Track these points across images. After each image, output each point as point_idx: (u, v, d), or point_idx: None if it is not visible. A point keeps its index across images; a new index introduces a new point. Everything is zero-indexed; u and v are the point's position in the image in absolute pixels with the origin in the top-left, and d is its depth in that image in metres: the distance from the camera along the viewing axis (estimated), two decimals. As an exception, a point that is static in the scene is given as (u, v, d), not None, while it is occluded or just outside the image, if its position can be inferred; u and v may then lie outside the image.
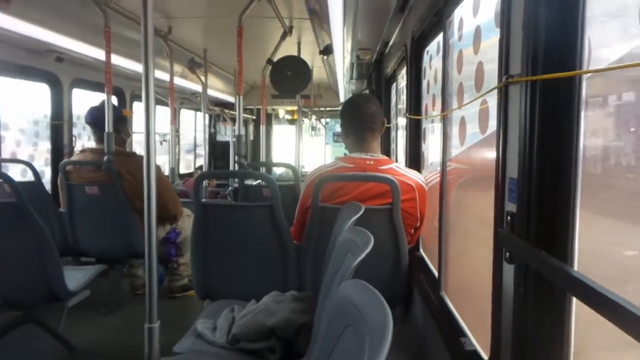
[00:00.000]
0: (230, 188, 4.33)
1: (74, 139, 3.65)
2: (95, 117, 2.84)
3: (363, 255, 1.01)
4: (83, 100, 3.77)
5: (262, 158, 5.00)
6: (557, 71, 0.78)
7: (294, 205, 2.07)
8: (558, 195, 0.81)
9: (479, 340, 1.23)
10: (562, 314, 0.82)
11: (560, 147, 0.81)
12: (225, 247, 2.01)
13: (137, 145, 4.77)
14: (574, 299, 0.82)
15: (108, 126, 2.69)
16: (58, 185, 2.90)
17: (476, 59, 1.28)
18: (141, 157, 2.86)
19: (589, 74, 0.77)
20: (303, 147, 6.15)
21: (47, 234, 2.08)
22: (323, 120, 8.63)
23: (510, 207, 0.91)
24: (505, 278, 0.94)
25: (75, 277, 2.30)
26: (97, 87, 3.79)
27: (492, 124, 1.18)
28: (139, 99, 4.72)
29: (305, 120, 8.26)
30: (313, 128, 9.02)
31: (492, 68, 1.15)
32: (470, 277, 1.43)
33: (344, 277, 1.00)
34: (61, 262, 2.18)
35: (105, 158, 2.66)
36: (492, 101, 1.17)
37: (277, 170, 7.64)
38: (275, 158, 8.77)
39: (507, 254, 0.91)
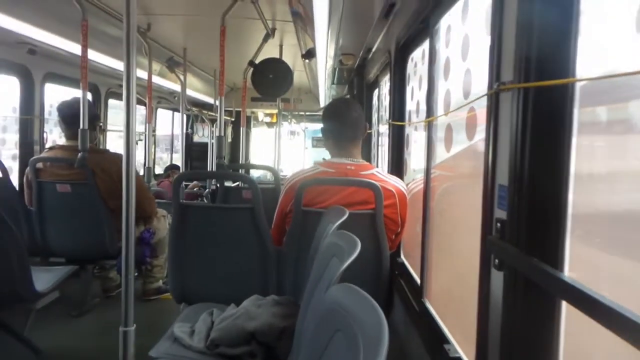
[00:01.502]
0: (207, 190, 4.26)
1: (45, 135, 3.52)
2: (66, 113, 2.75)
3: (350, 260, 1.00)
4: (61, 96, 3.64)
5: (241, 160, 4.94)
6: (550, 78, 0.78)
7: (274, 208, 2.04)
8: (549, 201, 0.82)
9: (462, 348, 1.23)
10: (552, 321, 0.82)
11: (552, 154, 0.81)
12: (204, 250, 1.96)
13: (112, 143, 4.67)
14: (564, 308, 0.83)
15: (83, 123, 2.61)
16: (24, 183, 2.79)
17: (464, 67, 1.29)
18: (114, 155, 2.80)
19: (582, 82, 0.78)
20: (282, 151, 6.13)
21: (15, 231, 1.99)
22: (303, 125, 8.61)
23: (500, 213, 0.91)
24: (493, 285, 0.94)
25: (44, 277, 2.21)
26: (71, 82, 3.67)
27: (479, 132, 1.19)
28: (114, 96, 4.60)
29: (285, 123, 8.22)
30: (292, 133, 9.00)
31: (480, 76, 1.16)
32: (453, 285, 1.43)
33: (331, 281, 0.98)
34: (29, 262, 2.09)
35: (79, 155, 2.58)
36: (478, 109, 1.18)
37: (255, 173, 7.57)
38: (253, 161, 8.70)
39: (496, 260, 0.91)
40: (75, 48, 2.89)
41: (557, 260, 0.81)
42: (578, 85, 0.79)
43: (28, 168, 2.71)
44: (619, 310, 0.58)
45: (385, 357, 0.56)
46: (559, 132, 0.81)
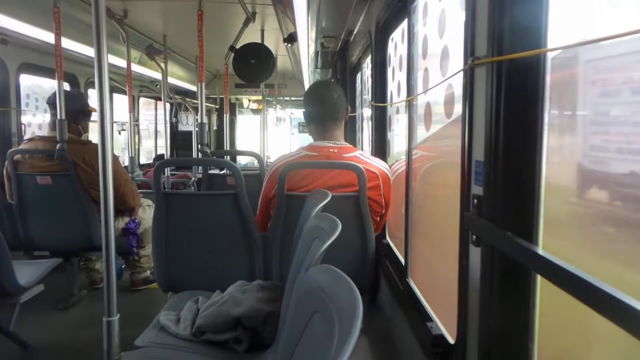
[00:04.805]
0: (193, 178, 4.23)
1: (23, 126, 3.45)
2: (53, 101, 2.70)
3: (331, 241, 1.00)
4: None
5: (226, 148, 4.90)
6: (523, 51, 0.78)
7: (260, 194, 2.03)
8: (523, 176, 0.82)
9: (445, 324, 1.24)
10: (528, 295, 0.83)
11: (525, 128, 0.81)
12: (188, 238, 1.95)
13: (93, 134, 4.59)
14: (538, 282, 0.84)
15: (60, 113, 2.55)
16: (4, 176, 2.74)
17: (441, 43, 1.28)
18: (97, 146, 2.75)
19: (554, 52, 0.78)
20: (268, 137, 6.09)
21: (-5, 226, 1.96)
22: (288, 111, 8.55)
23: (477, 190, 0.91)
24: (471, 261, 0.94)
25: (27, 271, 2.18)
26: (48, 72, 3.58)
27: (457, 109, 1.19)
28: (94, 86, 4.51)
29: (270, 110, 8.15)
30: (278, 119, 8.94)
31: (457, 52, 1.15)
32: (436, 263, 1.44)
33: (311, 263, 0.98)
34: (11, 256, 2.06)
35: (57, 146, 2.53)
36: (457, 85, 1.17)
37: (242, 161, 7.53)
38: (240, 148, 8.63)
39: (474, 236, 0.91)
40: (49, 37, 2.81)
41: (531, 234, 0.82)
42: (549, 56, 0.78)
43: (6, 161, 2.66)
44: (591, 282, 0.59)
45: (357, 337, 0.56)
46: (532, 106, 0.81)
